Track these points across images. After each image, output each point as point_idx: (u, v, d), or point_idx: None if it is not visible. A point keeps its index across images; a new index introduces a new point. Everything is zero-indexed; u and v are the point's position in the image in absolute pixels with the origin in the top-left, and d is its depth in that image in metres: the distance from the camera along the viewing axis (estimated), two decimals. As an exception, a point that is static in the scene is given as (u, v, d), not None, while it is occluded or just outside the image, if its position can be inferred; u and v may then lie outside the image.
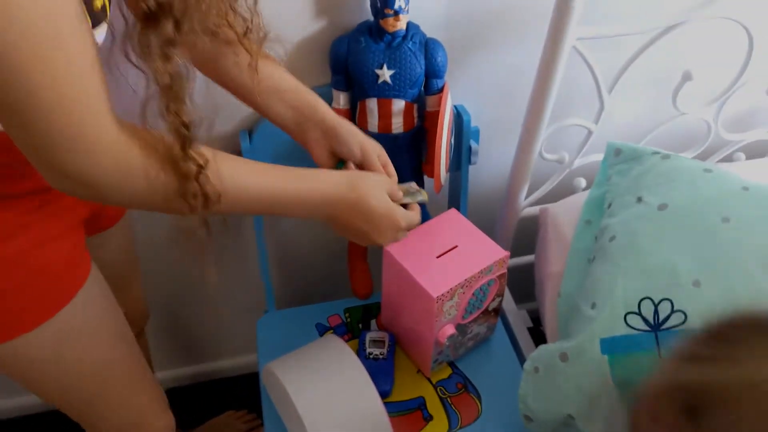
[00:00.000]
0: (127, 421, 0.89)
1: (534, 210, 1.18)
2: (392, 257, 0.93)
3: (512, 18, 1.00)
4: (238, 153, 1.00)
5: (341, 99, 0.96)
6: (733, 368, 0.39)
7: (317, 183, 0.73)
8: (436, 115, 0.94)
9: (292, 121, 0.81)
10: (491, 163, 1.18)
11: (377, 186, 0.77)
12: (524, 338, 1.17)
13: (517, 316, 1.22)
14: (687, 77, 1.00)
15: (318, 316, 1.12)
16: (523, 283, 1.24)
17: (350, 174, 0.78)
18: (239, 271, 1.25)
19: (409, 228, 0.82)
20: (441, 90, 0.95)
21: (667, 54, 0.99)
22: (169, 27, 0.52)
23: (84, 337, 0.76)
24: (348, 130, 0.81)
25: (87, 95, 0.49)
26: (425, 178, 1.05)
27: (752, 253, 0.77)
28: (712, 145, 1.16)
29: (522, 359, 1.08)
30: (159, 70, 0.52)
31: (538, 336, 1.15)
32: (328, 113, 0.81)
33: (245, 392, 1.35)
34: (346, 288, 1.16)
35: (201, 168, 0.57)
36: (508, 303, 1.24)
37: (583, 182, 1.18)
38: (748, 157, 1.24)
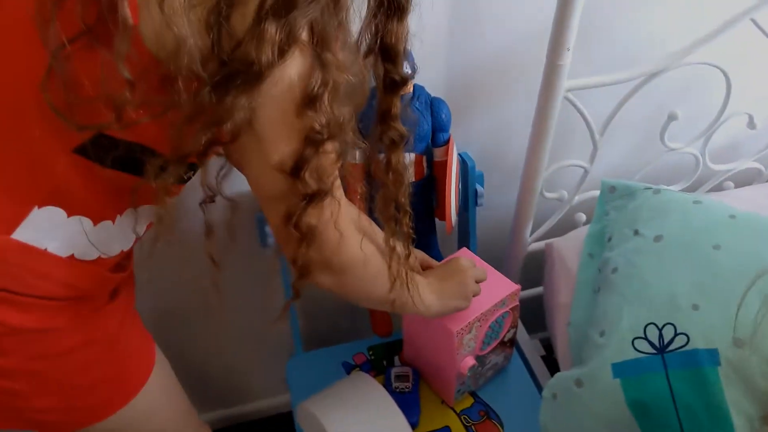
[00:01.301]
0: None
1: (540, 245, 1.23)
2: (412, 297, 0.97)
3: (506, 74, 1.07)
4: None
5: (357, 154, 1.02)
6: None
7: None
8: (444, 165, 1.00)
9: None
10: (496, 203, 1.23)
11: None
12: (539, 366, 1.21)
13: (530, 345, 1.26)
14: (672, 117, 1.05)
15: (343, 355, 1.16)
16: (534, 313, 1.28)
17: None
18: (267, 316, 1.29)
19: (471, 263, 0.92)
20: (447, 142, 1.01)
21: (654, 97, 1.04)
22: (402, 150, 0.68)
23: (165, 395, 0.81)
24: None
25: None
26: (437, 221, 1.10)
27: (741, 274, 0.81)
28: (702, 176, 1.21)
29: (538, 385, 1.11)
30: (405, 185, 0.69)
31: (552, 363, 1.18)
32: None
33: (278, 432, 1.39)
34: (367, 328, 1.20)
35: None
36: (521, 333, 1.27)
37: (583, 217, 1.22)
38: (737, 185, 1.30)
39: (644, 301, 0.86)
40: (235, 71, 0.49)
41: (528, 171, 1.08)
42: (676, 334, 0.81)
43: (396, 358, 1.15)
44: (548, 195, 1.14)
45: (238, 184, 0.69)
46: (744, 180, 1.30)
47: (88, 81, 0.52)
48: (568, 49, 0.89)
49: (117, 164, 0.58)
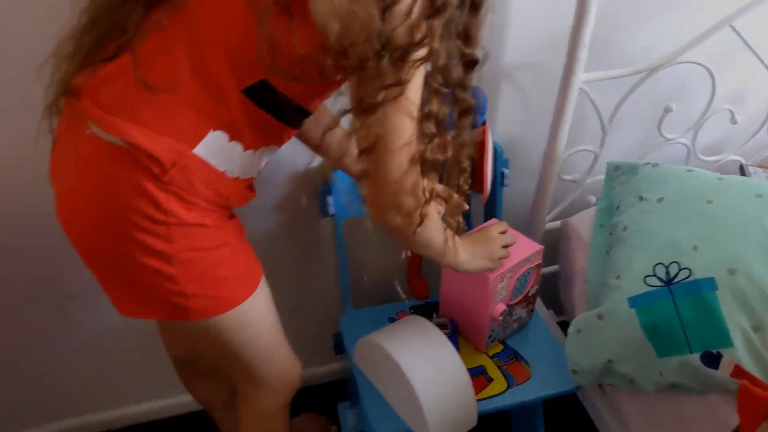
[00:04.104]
0: (286, 367, 1.02)
1: (555, 224, 1.36)
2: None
3: (531, 71, 1.22)
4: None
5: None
6: None
7: None
8: (481, 144, 1.14)
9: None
10: (518, 186, 1.37)
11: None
12: (554, 327, 1.33)
13: (547, 313, 1.38)
14: (668, 110, 1.21)
15: (389, 312, 1.28)
16: (549, 291, 1.40)
17: None
18: (319, 284, 1.41)
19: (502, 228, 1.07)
20: (483, 123, 1.15)
21: (654, 93, 1.20)
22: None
23: (269, 303, 0.93)
24: None
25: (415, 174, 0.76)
26: (472, 194, 1.24)
27: (731, 221, 0.95)
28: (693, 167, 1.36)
29: (556, 339, 1.23)
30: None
31: (565, 329, 1.30)
32: None
33: (319, 401, 1.49)
34: (407, 292, 1.32)
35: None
36: (539, 304, 1.40)
37: (593, 199, 1.37)
38: (722, 178, 1.44)
39: (652, 248, 1.00)
40: (410, 49, 0.65)
41: (548, 154, 1.23)
42: (680, 269, 0.94)
43: (434, 315, 1.27)
44: (565, 177, 1.29)
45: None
46: (730, 172, 1.45)
47: (284, 38, 0.67)
48: (585, 45, 1.05)
49: (268, 108, 0.74)
